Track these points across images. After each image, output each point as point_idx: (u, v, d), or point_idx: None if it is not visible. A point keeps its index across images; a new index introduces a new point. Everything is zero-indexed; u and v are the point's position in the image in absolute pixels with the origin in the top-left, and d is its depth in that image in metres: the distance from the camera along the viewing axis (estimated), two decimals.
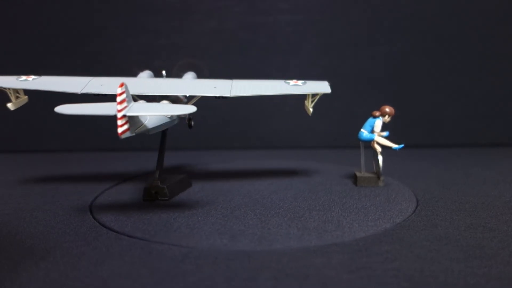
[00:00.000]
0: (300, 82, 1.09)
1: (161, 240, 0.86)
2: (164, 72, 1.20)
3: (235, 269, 0.74)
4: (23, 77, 1.11)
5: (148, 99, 1.06)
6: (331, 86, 1.06)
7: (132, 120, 0.88)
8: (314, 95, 1.08)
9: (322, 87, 1.09)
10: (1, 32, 1.69)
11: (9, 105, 1.08)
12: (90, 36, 1.68)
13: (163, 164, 1.15)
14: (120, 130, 0.84)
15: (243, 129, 1.73)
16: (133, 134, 0.89)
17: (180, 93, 1.09)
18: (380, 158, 1.15)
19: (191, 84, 1.14)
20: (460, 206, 1.02)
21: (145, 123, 0.92)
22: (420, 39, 1.66)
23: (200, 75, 1.21)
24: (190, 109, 0.89)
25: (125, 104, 0.84)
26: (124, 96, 0.84)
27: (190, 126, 1.20)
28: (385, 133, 1.16)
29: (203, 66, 1.28)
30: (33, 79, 1.11)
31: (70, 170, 1.45)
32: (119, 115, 0.84)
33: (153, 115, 0.92)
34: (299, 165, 1.45)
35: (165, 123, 1.03)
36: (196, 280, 0.71)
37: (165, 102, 1.09)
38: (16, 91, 1.09)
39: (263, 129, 1.74)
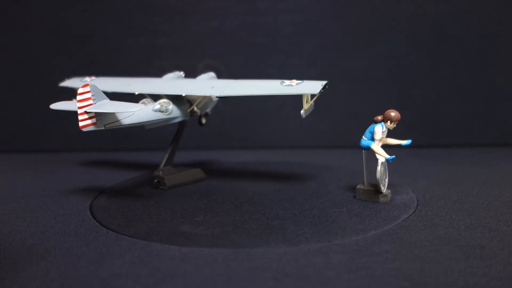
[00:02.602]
0: (295, 82, 1.04)
1: (161, 240, 0.86)
2: (182, 73, 1.26)
3: (235, 269, 0.74)
4: (86, 78, 1.28)
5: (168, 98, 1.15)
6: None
7: (102, 116, 0.97)
8: (312, 96, 1.03)
9: (312, 87, 1.02)
10: (1, 32, 1.69)
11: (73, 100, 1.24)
12: (90, 36, 1.68)
13: (172, 157, 1.24)
14: (80, 124, 0.96)
15: (243, 129, 1.73)
16: (102, 128, 0.98)
17: (176, 92, 1.14)
18: (378, 169, 1.03)
19: (189, 84, 1.19)
20: (460, 206, 1.02)
21: (122, 119, 1.01)
22: (420, 39, 1.66)
23: (219, 76, 1.26)
24: (137, 107, 1.00)
25: (89, 101, 0.95)
26: (87, 95, 0.95)
27: (200, 123, 1.25)
28: (406, 142, 1.05)
29: (221, 67, 1.29)
30: (90, 80, 1.26)
31: (70, 170, 1.45)
32: (80, 111, 0.95)
33: (110, 112, 0.97)
34: (300, 164, 1.45)
35: (159, 119, 1.12)
36: (196, 280, 0.71)
37: (163, 100, 1.14)
38: None
39: (263, 129, 1.74)
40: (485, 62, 1.66)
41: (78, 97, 0.96)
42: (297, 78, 1.06)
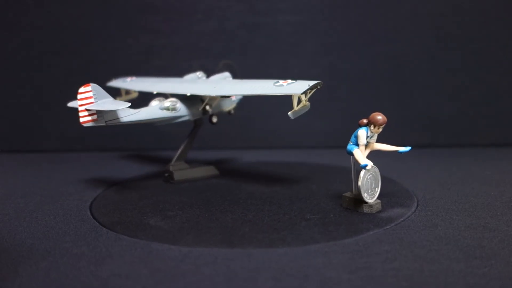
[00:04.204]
0: (287, 82, 1.03)
1: (161, 240, 0.86)
2: (198, 73, 1.30)
3: (235, 269, 0.74)
4: (128, 79, 1.38)
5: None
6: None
7: (104, 114, 1.04)
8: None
9: (297, 88, 0.99)
10: (1, 31, 1.69)
11: (118, 98, 1.28)
12: (90, 36, 1.68)
13: (186, 153, 1.29)
14: (81, 120, 1.03)
15: (243, 129, 1.73)
16: (104, 124, 1.05)
17: (182, 92, 1.19)
18: (361, 175, 0.96)
19: (195, 84, 1.24)
20: (460, 206, 1.02)
21: (126, 116, 1.08)
22: (420, 39, 1.66)
23: (234, 76, 1.30)
24: (124, 104, 1.05)
25: (90, 100, 1.02)
26: (88, 94, 1.02)
27: (211, 122, 1.28)
28: (404, 149, 0.98)
29: (235, 67, 1.31)
30: (130, 80, 1.37)
31: (70, 170, 1.45)
32: (80, 108, 1.02)
33: (102, 109, 1.03)
34: (301, 165, 1.45)
35: (165, 117, 1.17)
36: (196, 280, 0.71)
37: (171, 99, 1.20)
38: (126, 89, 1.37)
39: (263, 129, 1.73)
40: (485, 62, 1.66)
41: (79, 96, 1.02)
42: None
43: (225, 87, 1.16)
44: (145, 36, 1.68)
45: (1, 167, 1.52)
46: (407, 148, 0.98)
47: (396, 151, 0.99)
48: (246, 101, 1.55)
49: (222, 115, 1.32)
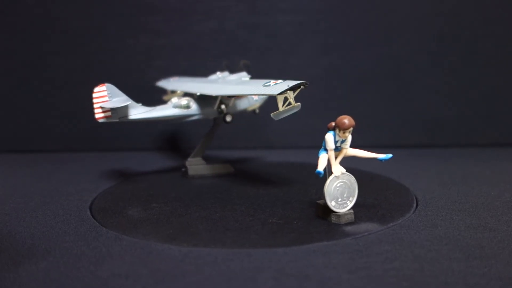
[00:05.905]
0: (275, 83, 1.01)
1: (161, 240, 0.86)
2: (218, 74, 1.32)
3: (235, 269, 0.74)
4: (171, 79, 1.44)
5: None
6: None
7: (117, 110, 1.11)
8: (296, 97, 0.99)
9: (276, 88, 0.97)
10: (1, 31, 1.69)
11: (164, 97, 1.39)
12: (90, 36, 1.68)
13: (203, 150, 1.33)
14: (96, 116, 1.11)
15: (243, 129, 1.73)
16: (117, 120, 1.13)
17: (194, 91, 1.23)
18: (327, 181, 0.90)
19: (206, 84, 1.28)
20: (460, 206, 1.02)
21: (134, 114, 1.14)
22: (420, 39, 1.66)
23: (252, 76, 1.31)
24: (126, 101, 1.11)
25: (105, 98, 1.10)
26: (102, 93, 1.10)
27: (224, 120, 1.29)
28: (384, 156, 0.91)
29: (249, 67, 1.33)
30: (172, 80, 1.43)
31: (70, 170, 1.45)
32: (95, 106, 1.10)
33: (115, 107, 1.11)
34: (299, 166, 1.45)
35: (177, 115, 1.21)
36: (196, 280, 0.71)
37: (185, 97, 1.24)
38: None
39: (263, 129, 1.73)
40: (485, 62, 1.66)
41: (95, 95, 1.10)
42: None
43: (224, 87, 1.18)
44: (145, 36, 1.68)
45: (1, 167, 1.52)
46: (388, 156, 0.91)
47: (375, 159, 0.92)
48: None
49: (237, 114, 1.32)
